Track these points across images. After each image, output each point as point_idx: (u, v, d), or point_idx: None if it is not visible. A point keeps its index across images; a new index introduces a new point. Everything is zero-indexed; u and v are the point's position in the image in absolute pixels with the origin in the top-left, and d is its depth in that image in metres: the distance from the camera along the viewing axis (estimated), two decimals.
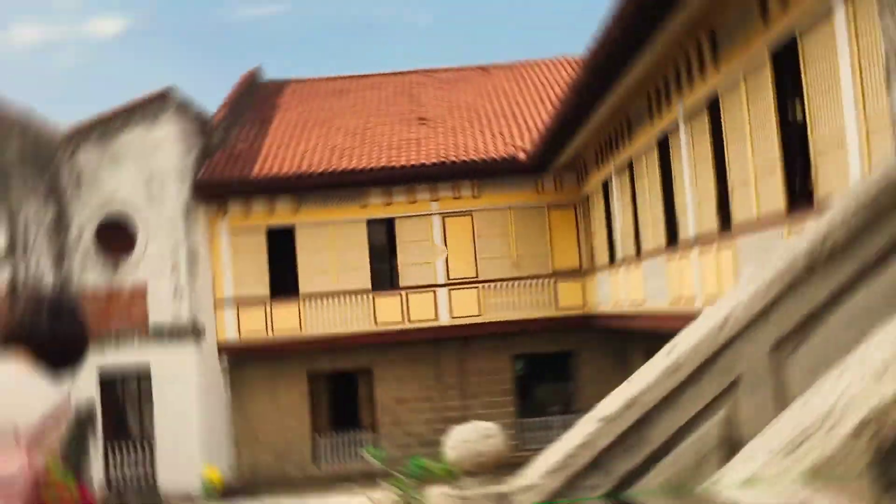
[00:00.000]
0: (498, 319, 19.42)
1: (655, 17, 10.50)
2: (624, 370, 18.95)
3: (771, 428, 2.48)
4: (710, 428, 3.36)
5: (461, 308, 19.46)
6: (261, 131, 21.75)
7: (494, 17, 75.82)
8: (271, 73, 26.29)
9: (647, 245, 14.49)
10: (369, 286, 19.46)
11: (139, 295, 18.00)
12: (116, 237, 18.11)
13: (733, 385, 3.36)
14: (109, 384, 18.16)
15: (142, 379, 18.16)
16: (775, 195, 9.38)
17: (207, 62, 79.38)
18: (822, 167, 8.27)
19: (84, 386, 17.59)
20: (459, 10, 77.11)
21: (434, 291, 19.54)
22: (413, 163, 19.16)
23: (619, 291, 16.51)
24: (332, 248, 19.47)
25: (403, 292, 19.54)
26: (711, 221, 11.42)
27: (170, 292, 17.96)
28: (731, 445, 3.28)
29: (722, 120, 10.68)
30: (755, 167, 9.82)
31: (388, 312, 19.39)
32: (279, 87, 25.29)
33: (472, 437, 3.49)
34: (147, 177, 18.14)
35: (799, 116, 8.95)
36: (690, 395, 3.37)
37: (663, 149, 13.24)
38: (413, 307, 19.44)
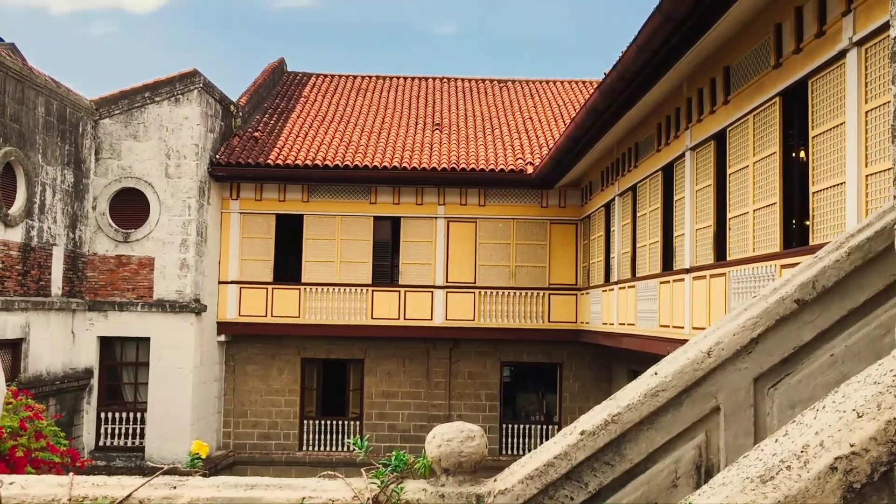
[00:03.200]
0: (490, 326, 19.83)
1: (676, 50, 10.72)
2: (607, 387, 19.58)
3: (746, 457, 2.45)
4: (687, 451, 3.39)
5: (456, 311, 19.86)
6: (280, 120, 22.21)
7: (516, 33, 76.22)
8: (297, 64, 26.74)
9: (642, 269, 14.66)
10: (369, 280, 19.89)
11: (146, 267, 18.39)
12: (130, 209, 18.52)
13: (713, 412, 3.39)
14: (108, 352, 18.56)
15: (140, 349, 18.53)
16: (772, 232, 9.53)
17: (236, 47, 79.74)
18: (819, 209, 8.42)
19: (84, 352, 18.07)
20: (483, 24, 77.47)
21: (432, 292, 19.95)
22: (424, 166, 19.55)
23: (610, 311, 16.74)
24: (338, 239, 19.91)
25: (402, 290, 19.95)
26: (707, 253, 11.57)
27: (176, 267, 18.32)
28: (705, 470, 3.36)
29: (727, 155, 10.82)
30: (755, 204, 9.96)
31: (385, 308, 19.80)
32: (302, 79, 25.75)
33: (454, 436, 3.40)
34: (166, 153, 18.53)
35: (802, 157, 9.11)
36: (671, 417, 3.38)
37: (667, 178, 13.41)
38: (410, 305, 19.85)
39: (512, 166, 19.61)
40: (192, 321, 18.27)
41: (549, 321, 19.93)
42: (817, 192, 8.50)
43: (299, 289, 19.72)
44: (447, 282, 19.96)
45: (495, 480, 3.48)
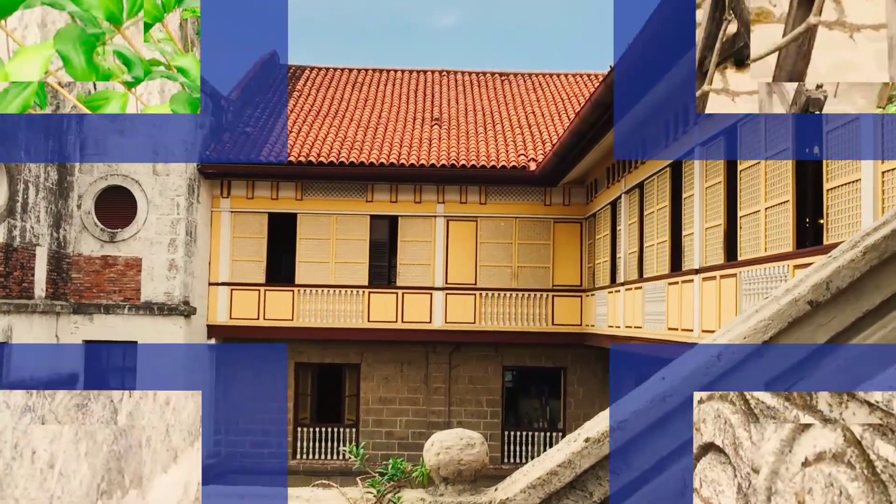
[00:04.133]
0: (492, 329, 19.22)
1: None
2: (614, 392, 18.86)
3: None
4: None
5: (456, 313, 19.25)
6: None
7: (518, 25, 75.63)
8: (290, 57, 26.12)
9: (649, 270, 14.35)
10: (366, 282, 19.28)
11: (133, 268, 17.82)
12: (116, 207, 17.95)
13: None
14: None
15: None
16: (784, 231, 9.32)
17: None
18: (834, 207, 8.23)
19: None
20: (484, 15, 76.94)
21: (431, 294, 19.34)
22: (422, 163, 18.96)
23: (616, 313, 16.34)
24: (333, 239, 19.31)
25: (399, 292, 19.34)
26: (717, 253, 11.32)
27: (164, 268, 17.75)
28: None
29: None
30: (767, 201, 9.71)
31: (382, 311, 19.20)
32: (296, 72, 25.15)
33: (454, 444, 3.39)
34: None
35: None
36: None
37: (676, 175, 13.11)
38: (408, 308, 19.25)
39: (514, 163, 18.99)
40: (181, 324, 17.69)
41: (552, 324, 19.32)
42: (831, 189, 8.28)
43: (293, 290, 19.11)
44: (447, 283, 19.35)
45: (496, 490, 3.46)
